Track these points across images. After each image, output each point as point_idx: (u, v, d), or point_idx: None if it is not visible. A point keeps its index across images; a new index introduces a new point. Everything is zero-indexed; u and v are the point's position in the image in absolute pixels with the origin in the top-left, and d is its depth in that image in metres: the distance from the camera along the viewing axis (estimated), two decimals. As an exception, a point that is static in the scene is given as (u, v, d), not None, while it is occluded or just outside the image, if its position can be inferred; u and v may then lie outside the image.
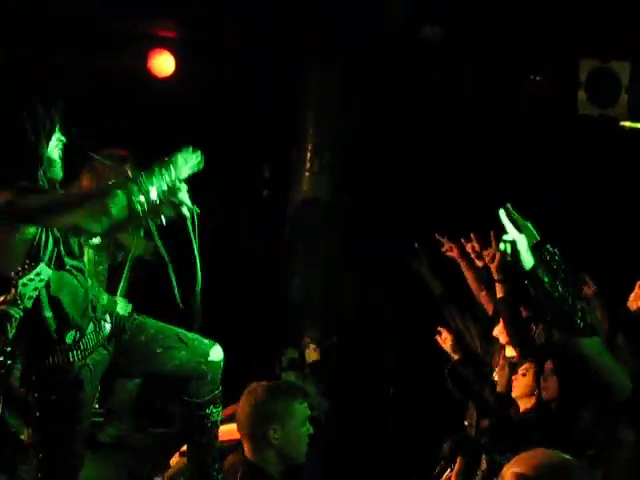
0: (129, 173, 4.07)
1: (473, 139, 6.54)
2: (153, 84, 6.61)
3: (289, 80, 6.08)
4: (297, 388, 4.03)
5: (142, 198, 3.59)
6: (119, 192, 3.57)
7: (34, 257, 3.79)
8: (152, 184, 3.63)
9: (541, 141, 6.27)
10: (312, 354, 5.99)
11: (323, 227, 6.10)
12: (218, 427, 4.48)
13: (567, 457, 2.55)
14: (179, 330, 4.38)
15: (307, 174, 5.99)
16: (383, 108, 6.75)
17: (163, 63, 6.63)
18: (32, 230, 3.77)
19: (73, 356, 4.03)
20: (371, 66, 6.07)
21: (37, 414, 3.99)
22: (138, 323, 4.27)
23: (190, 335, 4.34)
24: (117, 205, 3.57)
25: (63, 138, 3.94)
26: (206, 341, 4.34)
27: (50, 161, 3.90)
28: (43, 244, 3.81)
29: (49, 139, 3.87)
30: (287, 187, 6.02)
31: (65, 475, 4.08)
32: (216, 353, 4.35)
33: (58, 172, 3.94)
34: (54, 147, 3.91)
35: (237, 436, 4.82)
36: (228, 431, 5.07)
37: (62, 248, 3.87)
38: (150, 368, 4.29)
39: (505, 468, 2.50)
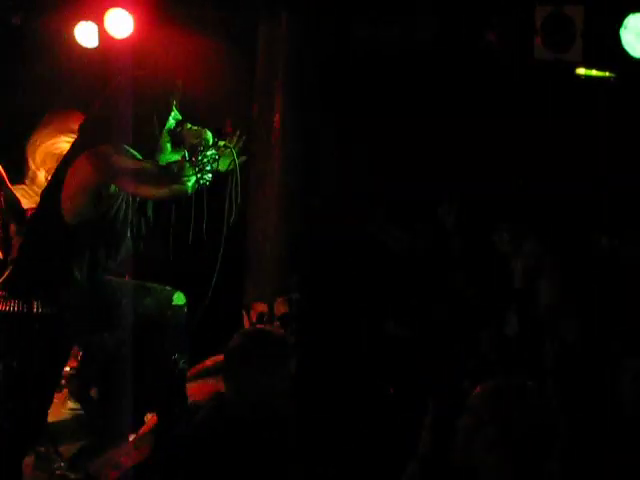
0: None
1: (432, 87, 6.56)
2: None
3: (246, 35, 6.09)
4: None
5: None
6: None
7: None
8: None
9: (500, 88, 6.32)
10: (280, 307, 6.04)
11: (285, 183, 6.12)
12: (185, 377, 4.54)
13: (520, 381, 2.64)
14: (139, 281, 4.46)
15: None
16: (337, 63, 6.76)
17: (121, 23, 6.57)
18: (114, 189, 4.06)
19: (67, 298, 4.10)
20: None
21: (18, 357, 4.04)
22: (99, 281, 4.32)
23: (151, 284, 4.42)
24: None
25: (179, 117, 4.26)
26: (168, 287, 4.43)
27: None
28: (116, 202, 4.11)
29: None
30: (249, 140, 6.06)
31: (33, 419, 4.11)
32: (179, 298, 4.45)
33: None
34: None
35: (208, 391, 4.86)
36: (199, 386, 5.12)
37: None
38: (118, 318, 4.35)
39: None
